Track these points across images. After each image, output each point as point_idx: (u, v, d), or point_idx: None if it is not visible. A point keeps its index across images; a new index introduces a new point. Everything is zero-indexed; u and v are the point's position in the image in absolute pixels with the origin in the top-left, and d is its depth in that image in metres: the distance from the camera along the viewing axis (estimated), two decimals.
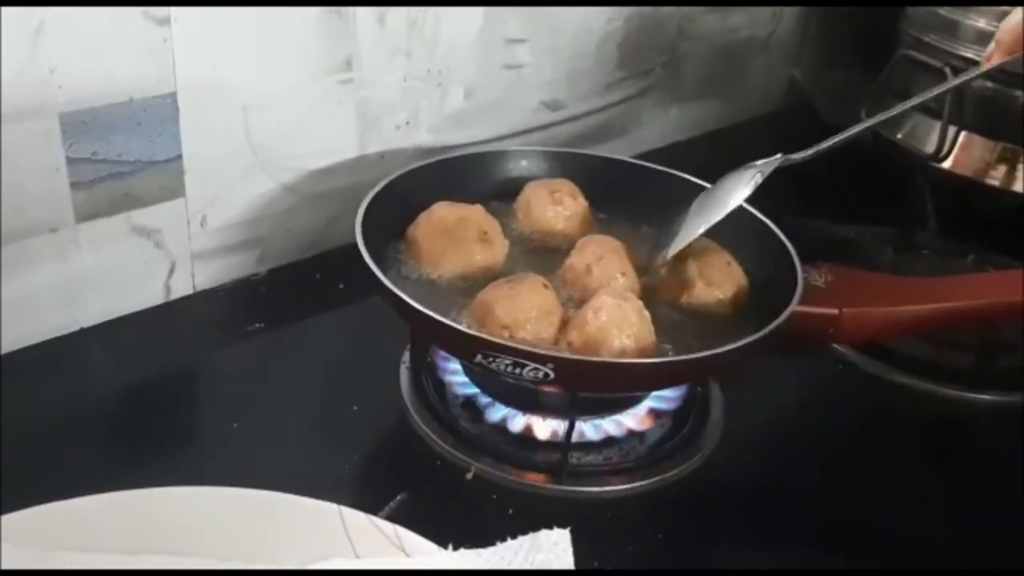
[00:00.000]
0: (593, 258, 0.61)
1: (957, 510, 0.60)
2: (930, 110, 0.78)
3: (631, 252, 0.63)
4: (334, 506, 0.46)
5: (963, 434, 0.68)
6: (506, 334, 0.55)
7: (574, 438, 0.58)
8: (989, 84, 0.75)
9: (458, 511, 0.55)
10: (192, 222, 0.68)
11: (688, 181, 0.70)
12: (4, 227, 0.58)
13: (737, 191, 0.61)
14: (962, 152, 0.76)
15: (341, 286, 0.73)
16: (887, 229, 0.86)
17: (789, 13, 1.10)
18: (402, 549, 0.45)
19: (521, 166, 0.71)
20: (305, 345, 0.68)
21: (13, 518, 0.44)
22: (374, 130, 0.75)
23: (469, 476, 0.57)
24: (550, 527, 0.45)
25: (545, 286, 0.57)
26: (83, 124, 0.59)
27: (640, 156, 0.89)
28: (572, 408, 0.57)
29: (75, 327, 0.65)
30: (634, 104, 0.97)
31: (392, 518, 0.47)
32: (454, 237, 0.62)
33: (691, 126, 1.05)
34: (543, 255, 0.65)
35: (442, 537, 0.46)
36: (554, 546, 0.44)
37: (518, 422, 0.60)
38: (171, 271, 0.68)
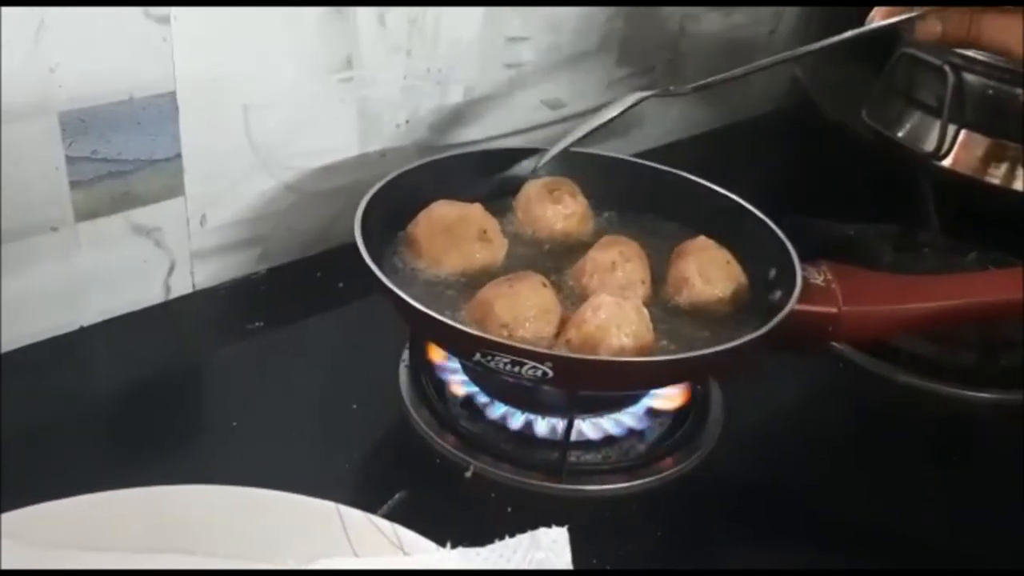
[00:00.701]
0: (620, 258, 0.61)
1: (958, 509, 0.60)
2: (930, 108, 0.78)
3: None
4: (332, 505, 0.47)
5: (964, 433, 0.68)
6: (505, 333, 0.55)
7: (573, 437, 0.58)
8: (989, 82, 0.74)
9: (457, 510, 0.55)
10: (192, 221, 0.68)
11: (689, 180, 0.70)
12: (4, 226, 0.58)
13: (612, 107, 0.64)
14: (962, 150, 0.76)
15: (341, 285, 0.73)
16: (887, 227, 0.85)
17: (790, 11, 1.10)
18: (401, 548, 0.45)
19: (521, 165, 0.71)
20: (305, 344, 0.68)
21: (14, 516, 0.44)
22: (375, 129, 0.75)
23: (468, 475, 0.57)
24: (549, 526, 0.45)
25: (544, 285, 0.57)
26: (83, 123, 0.59)
27: (641, 155, 0.89)
28: (571, 407, 0.57)
29: (75, 326, 0.65)
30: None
31: (391, 517, 0.47)
32: (454, 236, 0.62)
33: (692, 125, 1.05)
34: (542, 254, 0.65)
35: (441, 536, 0.46)
36: (552, 544, 0.44)
37: (517, 421, 0.60)
38: (171, 270, 0.68)
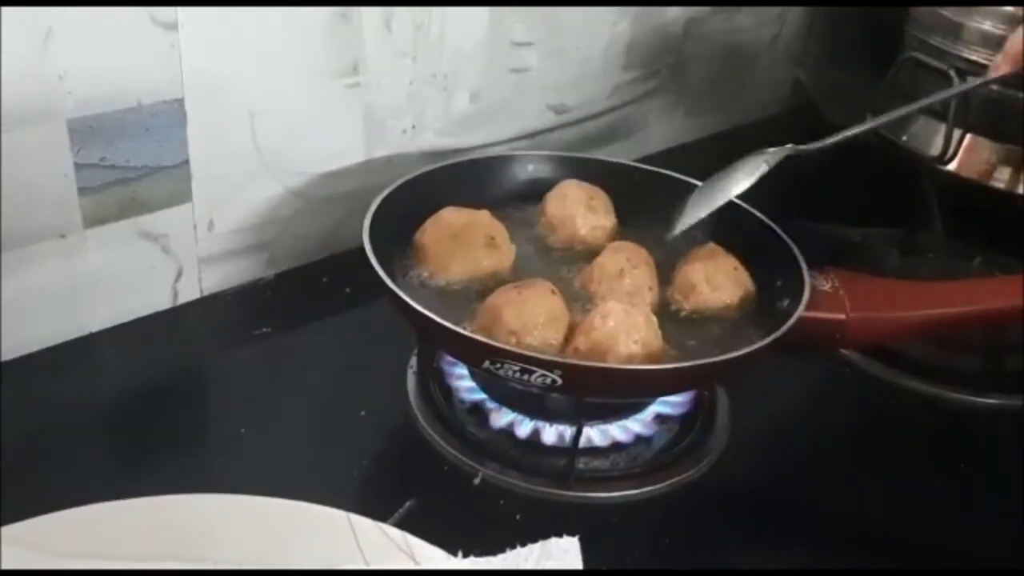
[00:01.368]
0: (628, 264, 0.61)
1: (962, 513, 0.60)
2: (935, 113, 0.78)
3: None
4: (343, 513, 0.47)
5: (969, 437, 0.68)
6: (513, 340, 0.55)
7: (581, 443, 0.58)
8: (994, 87, 0.74)
9: (466, 517, 0.55)
10: (199, 227, 0.68)
11: (694, 185, 0.70)
12: (12, 232, 0.59)
13: (744, 175, 0.62)
14: (967, 155, 0.76)
15: (348, 290, 0.73)
16: (893, 232, 0.85)
17: (794, 14, 1.10)
18: (412, 557, 0.45)
19: (528, 170, 0.72)
20: (312, 350, 0.68)
21: (21, 526, 0.44)
22: (380, 134, 0.75)
23: (476, 482, 0.57)
24: (558, 532, 0.46)
25: (552, 291, 0.57)
26: (91, 129, 0.59)
27: (646, 159, 0.89)
28: (579, 413, 0.57)
29: (83, 331, 0.65)
30: (640, 106, 0.97)
31: (400, 525, 0.47)
32: (461, 242, 0.62)
33: (696, 128, 1.05)
34: (550, 261, 0.65)
35: (450, 543, 0.46)
36: (564, 554, 0.44)
37: (525, 427, 0.60)
38: (178, 275, 0.68)
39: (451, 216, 0.63)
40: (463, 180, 0.68)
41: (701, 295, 0.61)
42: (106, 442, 0.59)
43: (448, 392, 0.63)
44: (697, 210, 0.63)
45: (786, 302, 0.60)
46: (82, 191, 0.60)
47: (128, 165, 0.62)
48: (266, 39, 0.65)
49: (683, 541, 0.55)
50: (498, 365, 0.52)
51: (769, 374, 0.62)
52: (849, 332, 0.60)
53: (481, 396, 0.61)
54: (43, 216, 0.60)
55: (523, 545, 0.46)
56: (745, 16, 1.04)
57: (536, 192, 0.71)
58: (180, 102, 0.63)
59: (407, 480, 0.57)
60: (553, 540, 0.44)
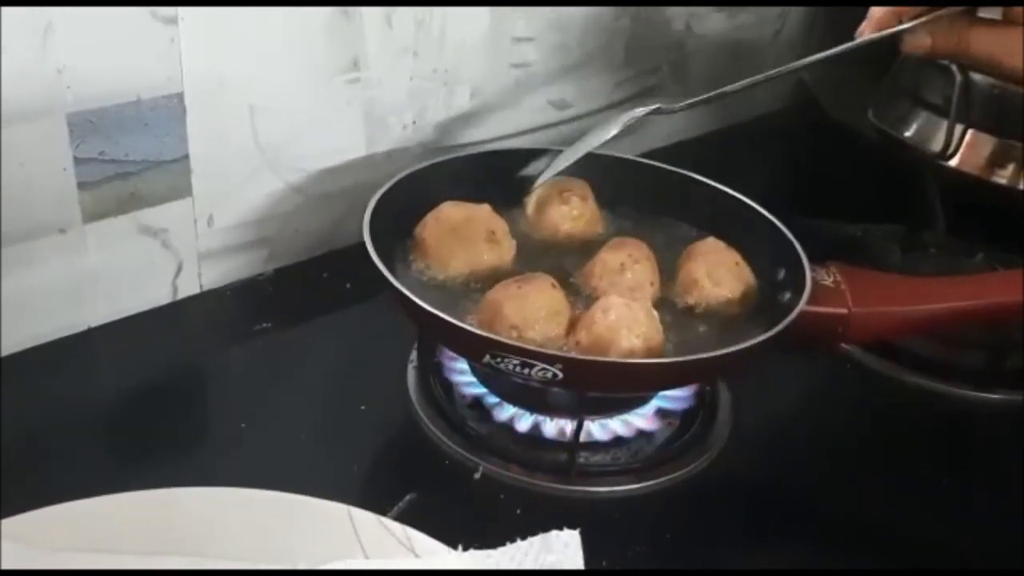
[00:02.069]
0: (629, 259, 0.60)
1: (964, 509, 0.60)
2: (937, 108, 0.77)
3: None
4: (343, 506, 0.46)
5: (971, 433, 0.68)
6: (515, 334, 0.55)
7: (582, 438, 0.58)
8: (996, 82, 0.74)
9: (466, 511, 0.54)
10: (199, 222, 0.68)
11: (697, 180, 0.70)
12: (12, 227, 0.58)
13: (611, 127, 0.64)
14: (969, 151, 0.76)
15: (348, 286, 0.73)
16: (894, 228, 0.85)
17: (796, 12, 1.10)
18: (412, 550, 0.45)
19: (529, 165, 0.71)
20: (312, 345, 0.68)
21: (21, 519, 0.44)
22: (381, 130, 0.75)
23: (477, 476, 0.57)
24: (558, 527, 0.45)
25: (553, 286, 0.57)
26: (90, 124, 0.59)
27: (646, 155, 0.88)
28: (580, 408, 0.57)
29: (82, 327, 0.65)
30: (641, 103, 0.96)
31: (401, 518, 0.47)
32: (462, 237, 0.62)
33: (697, 125, 1.05)
34: (551, 255, 0.65)
35: (450, 537, 0.46)
36: (565, 548, 0.43)
37: (526, 422, 0.60)
38: (178, 271, 0.68)
39: (451, 211, 0.63)
40: (463, 175, 0.68)
41: (703, 290, 0.61)
42: (106, 438, 0.59)
43: (449, 387, 0.63)
44: (560, 160, 0.66)
45: (788, 297, 0.60)
46: (81, 186, 0.60)
47: (128, 160, 0.62)
48: (267, 35, 0.65)
49: (684, 536, 0.55)
50: (499, 359, 0.52)
51: (770, 369, 0.62)
52: (851, 327, 0.60)
53: (482, 391, 0.61)
54: (42, 211, 0.60)
55: (523, 539, 0.45)
56: (747, 13, 1.04)
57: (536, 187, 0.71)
58: (180, 97, 0.63)
59: (407, 475, 0.57)
60: (553, 533, 0.44)
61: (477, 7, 0.77)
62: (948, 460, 0.64)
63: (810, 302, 0.58)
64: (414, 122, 0.77)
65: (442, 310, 0.54)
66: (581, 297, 0.60)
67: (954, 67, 0.73)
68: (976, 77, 0.73)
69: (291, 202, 0.72)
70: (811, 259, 0.62)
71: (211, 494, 0.47)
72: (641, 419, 0.61)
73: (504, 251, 0.63)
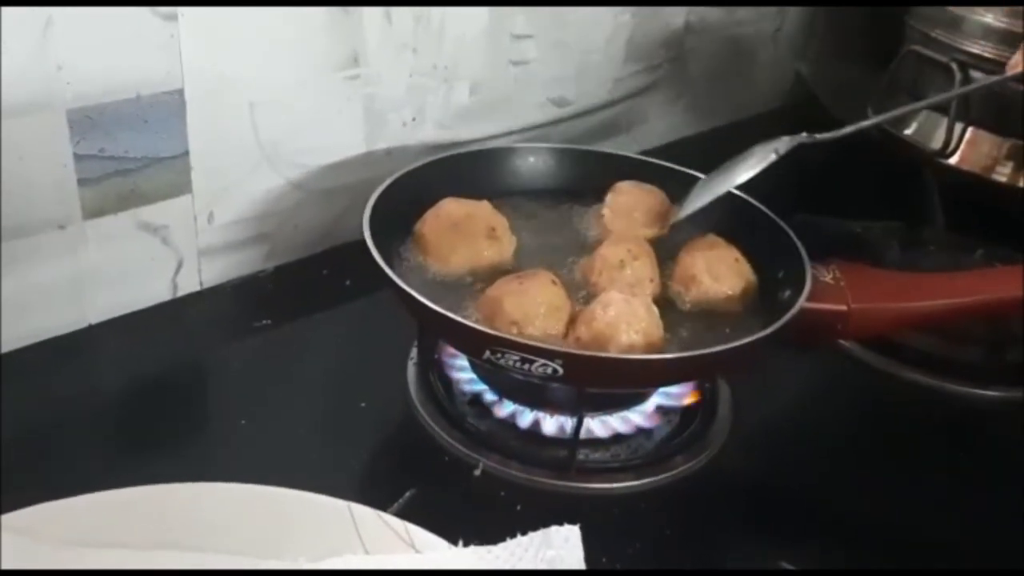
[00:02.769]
0: (629, 256, 0.60)
1: (965, 507, 0.60)
2: (937, 106, 0.77)
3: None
4: (343, 502, 0.46)
5: (971, 429, 0.68)
6: (515, 330, 0.55)
7: (582, 435, 0.58)
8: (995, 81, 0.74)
9: (467, 507, 0.55)
10: (199, 218, 0.68)
11: (695, 176, 0.70)
12: (11, 223, 0.58)
13: (754, 161, 0.62)
14: (969, 148, 0.76)
15: (348, 282, 0.73)
16: (894, 225, 0.85)
17: (795, 9, 1.10)
18: (412, 546, 0.45)
19: (528, 162, 0.71)
20: (312, 341, 0.68)
21: (22, 514, 0.44)
22: (381, 126, 0.75)
23: (477, 473, 0.57)
24: (558, 523, 0.45)
25: (554, 282, 0.57)
26: (90, 121, 0.59)
27: (646, 152, 0.89)
28: (580, 404, 0.57)
29: (82, 324, 0.65)
30: (641, 100, 0.97)
31: (401, 514, 0.47)
32: (462, 233, 0.62)
33: (697, 122, 1.05)
34: (551, 252, 0.65)
35: (451, 533, 0.46)
36: (565, 543, 0.43)
37: (526, 419, 0.60)
38: (178, 267, 0.68)
39: (452, 207, 0.63)
40: (463, 172, 0.68)
41: (702, 286, 0.61)
42: (106, 434, 0.59)
43: (449, 383, 0.63)
44: (704, 194, 0.63)
45: (787, 293, 0.60)
46: (81, 182, 0.60)
47: (128, 156, 0.62)
48: (267, 31, 0.65)
49: (683, 532, 0.55)
50: (499, 355, 0.52)
51: (770, 365, 0.62)
52: (850, 323, 0.60)
53: (482, 387, 0.61)
54: (42, 208, 0.60)
55: (524, 536, 0.45)
56: (746, 10, 1.04)
57: (537, 184, 0.71)
58: (180, 93, 0.63)
59: (408, 471, 0.57)
60: (554, 529, 0.44)
61: (476, 5, 0.77)
62: (948, 456, 0.64)
63: (810, 299, 0.58)
64: (414, 118, 0.77)
65: (442, 306, 0.54)
66: (581, 293, 0.60)
67: (954, 65, 0.73)
68: (976, 75, 0.73)
69: (291, 198, 0.72)
70: (811, 256, 0.62)
71: (211, 490, 0.47)
72: (641, 416, 0.61)
73: (504, 247, 0.63)
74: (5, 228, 0.58)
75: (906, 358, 0.70)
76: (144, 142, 0.62)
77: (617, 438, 0.60)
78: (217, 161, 0.67)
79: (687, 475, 0.59)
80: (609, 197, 0.68)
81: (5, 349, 0.61)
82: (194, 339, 0.68)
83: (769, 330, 0.54)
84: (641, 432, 0.60)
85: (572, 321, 0.57)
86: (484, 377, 0.62)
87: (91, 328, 0.65)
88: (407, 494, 0.53)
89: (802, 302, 0.57)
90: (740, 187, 0.68)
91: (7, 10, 0.53)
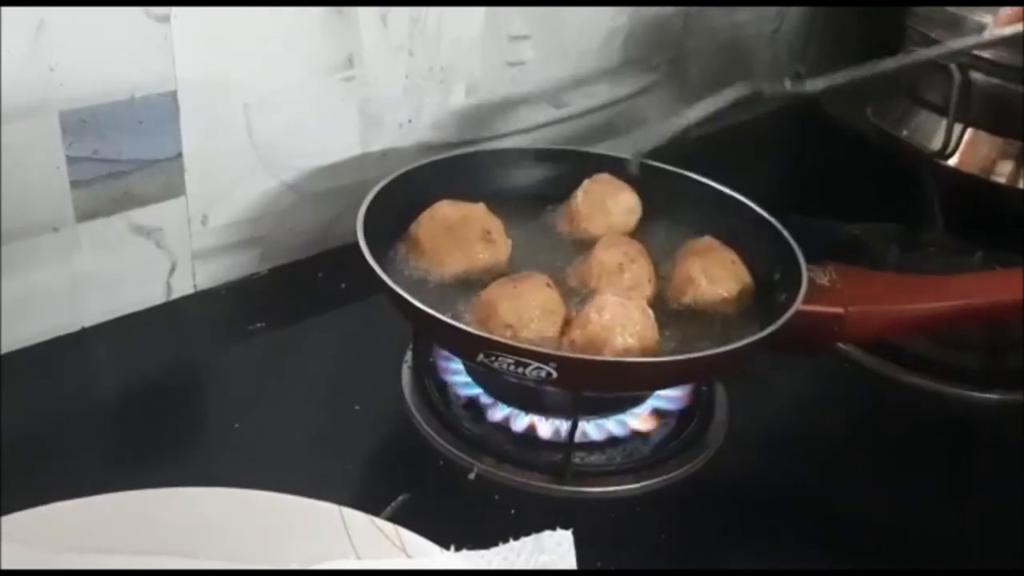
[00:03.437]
0: (626, 259, 0.60)
1: (964, 510, 0.60)
2: (936, 107, 0.77)
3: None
4: (335, 507, 0.46)
5: (969, 433, 0.68)
6: (509, 333, 0.54)
7: (577, 438, 0.57)
8: (995, 80, 0.74)
9: (460, 511, 0.54)
10: (193, 221, 0.67)
11: (693, 179, 0.70)
12: (4, 226, 0.58)
13: (703, 105, 0.64)
14: (968, 149, 0.76)
15: (343, 285, 0.72)
16: (892, 227, 0.85)
17: (794, 9, 1.09)
18: (403, 550, 0.45)
19: (524, 164, 0.71)
20: (307, 345, 0.68)
21: (16, 518, 0.44)
22: (376, 128, 0.75)
23: (471, 476, 0.57)
24: (553, 528, 0.45)
25: (548, 285, 0.57)
26: (83, 123, 0.59)
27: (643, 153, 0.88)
28: (575, 408, 0.57)
29: (76, 327, 0.65)
30: (638, 101, 0.96)
31: (394, 519, 0.47)
32: (457, 236, 0.62)
33: (695, 123, 1.04)
34: (546, 254, 0.64)
35: (444, 538, 0.46)
36: (557, 547, 0.43)
37: (520, 422, 0.59)
38: (172, 270, 0.68)
39: (446, 209, 0.63)
40: (458, 174, 0.68)
41: (698, 288, 0.61)
42: (100, 438, 0.59)
43: (443, 387, 0.62)
44: (663, 128, 0.65)
45: (784, 296, 0.59)
46: (74, 185, 0.60)
47: (121, 159, 0.62)
48: (261, 33, 0.65)
49: (679, 537, 0.55)
50: (493, 358, 0.52)
51: (767, 368, 0.61)
52: (847, 326, 0.60)
53: (476, 391, 0.61)
54: (35, 210, 0.59)
55: (517, 540, 0.45)
56: (745, 11, 1.03)
57: (533, 186, 0.71)
58: (173, 95, 0.62)
59: (402, 475, 0.57)
60: (546, 533, 0.44)
61: (473, 5, 0.76)
62: (946, 459, 0.64)
63: (806, 301, 0.57)
64: (409, 120, 0.77)
65: (436, 309, 0.53)
66: (576, 296, 0.60)
67: (953, 66, 0.72)
68: (975, 76, 0.72)
69: (286, 201, 0.72)
70: (808, 258, 0.61)
71: (204, 494, 0.47)
72: (636, 419, 0.60)
73: (499, 250, 0.63)
74: None
75: (904, 361, 0.70)
76: (137, 144, 0.62)
77: (612, 441, 0.59)
78: (211, 163, 0.66)
79: (683, 479, 0.58)
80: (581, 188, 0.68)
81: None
82: (188, 342, 0.68)
83: (765, 333, 0.54)
84: (637, 435, 0.60)
85: (567, 324, 0.56)
86: (479, 380, 0.61)
87: (84, 331, 0.65)
88: (400, 498, 0.52)
89: (798, 305, 0.57)
90: (737, 189, 0.68)
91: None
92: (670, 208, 0.69)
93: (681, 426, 0.62)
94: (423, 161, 0.68)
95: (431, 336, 0.61)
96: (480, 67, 0.79)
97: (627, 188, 0.68)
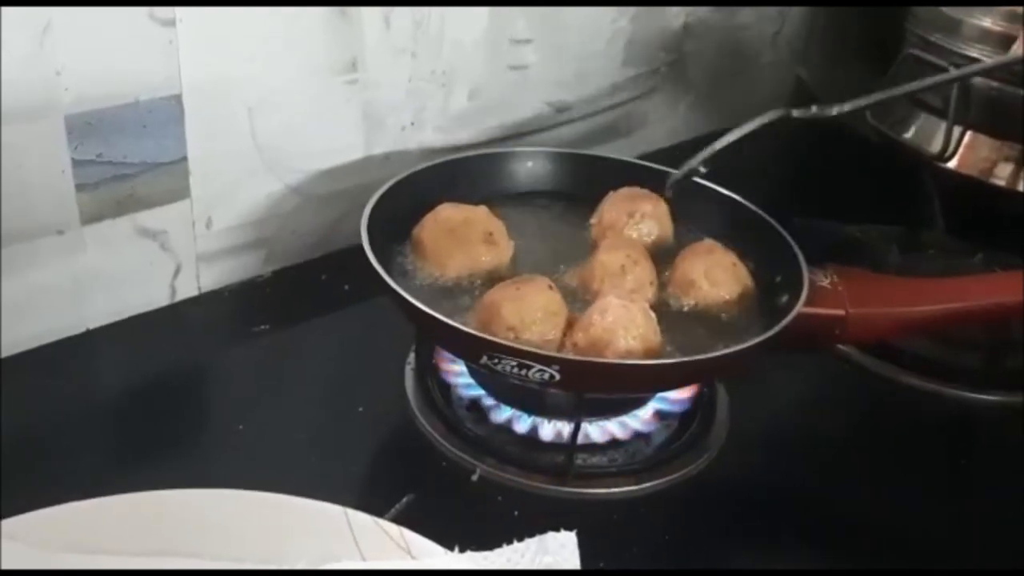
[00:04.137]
0: (628, 261, 0.60)
1: (963, 510, 0.60)
2: (935, 110, 0.77)
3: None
4: (340, 508, 0.46)
5: (969, 434, 0.68)
6: (512, 335, 0.54)
7: (579, 440, 0.58)
8: (994, 84, 0.74)
9: (464, 513, 0.54)
10: (197, 223, 0.68)
11: (695, 182, 0.70)
12: (10, 228, 0.59)
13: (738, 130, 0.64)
14: (968, 152, 0.76)
15: (346, 287, 0.73)
16: (893, 229, 0.85)
17: (795, 12, 1.10)
18: (408, 552, 0.45)
19: (526, 167, 0.71)
20: (310, 346, 0.68)
21: (20, 520, 0.44)
22: (379, 131, 0.75)
23: (474, 478, 0.57)
24: (556, 529, 0.45)
25: (551, 287, 0.57)
26: (89, 126, 0.59)
27: (646, 156, 0.89)
28: (578, 410, 0.57)
29: (81, 328, 0.65)
30: (640, 104, 0.97)
31: (398, 520, 0.47)
32: (460, 238, 0.62)
33: (697, 126, 1.05)
34: (549, 257, 0.65)
35: (447, 539, 0.46)
36: (561, 548, 0.43)
37: (523, 424, 0.60)
38: (176, 272, 0.68)
39: (449, 212, 0.63)
40: (461, 177, 0.68)
41: (700, 290, 0.61)
42: (104, 439, 0.59)
43: (446, 388, 0.63)
44: (694, 159, 0.65)
45: (785, 298, 0.60)
46: (80, 187, 0.60)
47: (126, 161, 0.62)
48: (265, 36, 0.65)
49: (681, 538, 0.55)
50: (496, 361, 0.52)
51: (768, 370, 0.62)
52: (848, 328, 0.60)
53: (479, 392, 0.61)
54: (41, 212, 0.60)
55: (521, 541, 0.45)
56: (746, 13, 1.04)
57: (535, 189, 0.71)
58: (178, 98, 0.63)
59: (405, 476, 0.57)
60: (550, 535, 0.44)
61: (476, 7, 0.77)
62: (946, 461, 0.64)
63: (807, 303, 0.58)
64: (412, 123, 0.77)
65: (439, 311, 0.54)
66: (579, 299, 0.60)
67: (952, 68, 0.73)
68: (975, 79, 0.72)
69: (289, 203, 0.72)
70: (809, 260, 0.62)
71: (209, 496, 0.47)
72: (639, 421, 0.60)
73: (502, 252, 0.63)
74: (4, 233, 0.58)
75: (904, 363, 0.70)
76: (142, 147, 0.62)
77: (615, 443, 0.60)
78: (215, 166, 0.67)
79: (685, 480, 0.59)
80: (598, 209, 0.68)
81: (4, 354, 0.61)
82: (192, 344, 0.68)
83: (766, 335, 0.54)
84: (639, 437, 0.60)
85: (569, 326, 0.56)
86: (482, 382, 0.62)
87: (89, 333, 0.65)
88: (404, 499, 0.53)
89: (800, 307, 0.57)
90: (738, 191, 0.69)
91: (6, 15, 0.53)
92: (672, 210, 0.69)
93: (683, 427, 0.62)
94: (426, 164, 0.68)
95: (434, 338, 0.61)
96: (482, 70, 0.80)
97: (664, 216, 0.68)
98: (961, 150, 0.76)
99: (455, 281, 0.61)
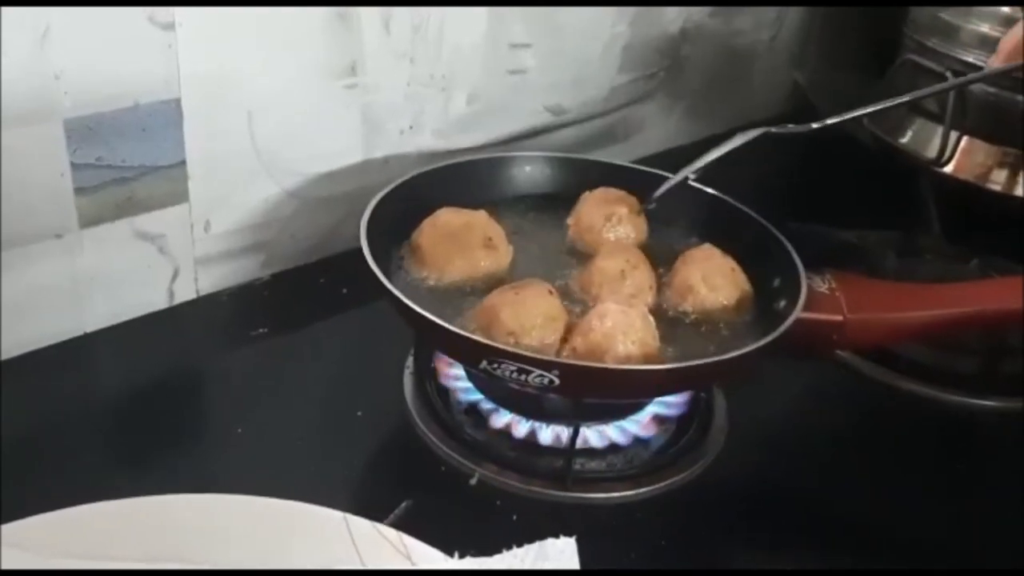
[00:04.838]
0: (628, 266, 0.61)
1: (962, 515, 0.60)
2: (932, 115, 0.78)
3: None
4: (340, 514, 0.46)
5: (966, 439, 0.68)
6: (511, 340, 0.55)
7: (578, 444, 0.58)
8: (991, 89, 0.74)
9: (462, 517, 0.55)
10: (196, 227, 0.68)
11: (693, 187, 0.70)
12: (9, 231, 0.59)
13: (718, 148, 0.65)
14: (964, 157, 0.76)
15: (345, 291, 0.73)
16: (889, 234, 0.86)
17: (792, 16, 1.10)
18: (408, 557, 0.45)
19: (525, 171, 0.72)
20: (309, 350, 0.68)
21: (19, 525, 0.44)
22: (378, 135, 0.75)
23: (473, 482, 0.57)
24: (554, 533, 0.45)
25: (550, 292, 0.57)
26: (88, 129, 0.59)
27: (643, 160, 0.89)
28: (576, 414, 0.57)
29: (79, 332, 0.65)
30: (637, 108, 0.97)
31: (397, 525, 0.47)
32: (459, 243, 0.62)
33: (694, 130, 1.05)
34: (548, 261, 0.65)
35: (446, 543, 0.46)
36: (560, 555, 0.44)
37: (522, 428, 0.60)
38: (175, 276, 0.68)
39: (448, 216, 0.63)
40: (460, 181, 0.68)
41: (698, 296, 0.61)
42: (102, 442, 0.59)
43: (445, 393, 0.63)
44: (671, 179, 0.66)
45: (783, 303, 0.60)
46: (79, 191, 0.60)
47: (125, 165, 0.62)
48: (264, 39, 0.65)
49: (680, 542, 0.55)
50: (495, 365, 0.52)
51: (766, 375, 0.62)
52: (846, 334, 0.60)
53: (478, 397, 0.61)
54: (39, 216, 0.60)
55: (519, 546, 0.46)
56: (743, 18, 1.04)
57: (534, 193, 0.71)
58: (177, 102, 0.63)
59: (404, 481, 0.57)
60: (550, 541, 0.44)
61: (475, 6, 0.77)
62: (944, 466, 0.65)
63: (805, 309, 0.58)
64: (411, 127, 0.77)
65: (439, 316, 0.54)
66: (578, 303, 0.60)
67: (949, 73, 0.73)
68: (971, 85, 0.73)
69: (288, 207, 0.72)
70: (806, 265, 0.62)
71: (207, 501, 0.47)
72: (637, 426, 0.61)
73: (501, 257, 0.63)
74: (4, 236, 0.58)
75: (902, 368, 0.70)
76: (141, 151, 0.62)
77: (613, 448, 0.60)
78: (214, 170, 0.67)
79: (683, 484, 0.59)
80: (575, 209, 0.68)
81: (3, 356, 0.61)
82: (190, 347, 0.68)
83: (764, 341, 0.55)
84: (637, 442, 0.60)
85: (569, 331, 0.57)
86: (480, 387, 0.62)
87: (88, 336, 0.65)
88: (403, 504, 0.53)
89: (798, 312, 0.57)
90: (735, 196, 0.69)
91: (5, 17, 0.53)
92: (668, 215, 0.70)
93: (681, 432, 0.62)
94: (425, 168, 0.68)
95: (433, 342, 0.62)
96: (481, 75, 0.80)
97: (639, 219, 0.68)
98: (958, 155, 0.76)
99: (454, 285, 0.61)
